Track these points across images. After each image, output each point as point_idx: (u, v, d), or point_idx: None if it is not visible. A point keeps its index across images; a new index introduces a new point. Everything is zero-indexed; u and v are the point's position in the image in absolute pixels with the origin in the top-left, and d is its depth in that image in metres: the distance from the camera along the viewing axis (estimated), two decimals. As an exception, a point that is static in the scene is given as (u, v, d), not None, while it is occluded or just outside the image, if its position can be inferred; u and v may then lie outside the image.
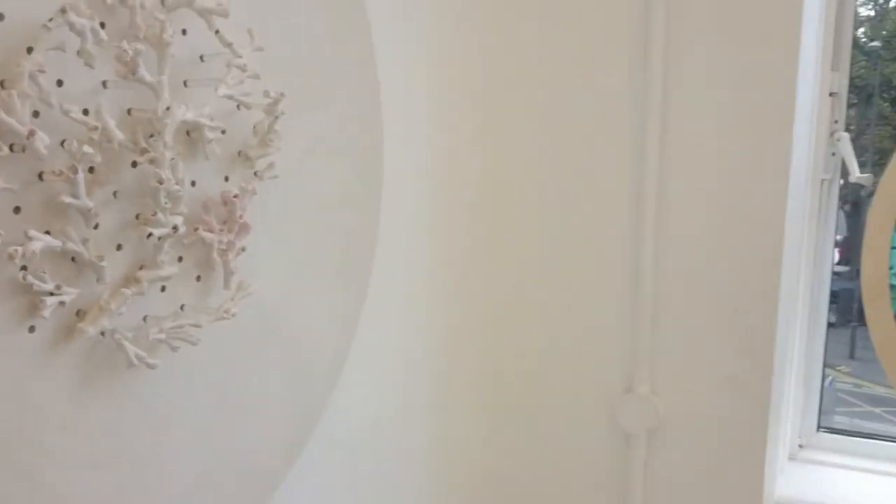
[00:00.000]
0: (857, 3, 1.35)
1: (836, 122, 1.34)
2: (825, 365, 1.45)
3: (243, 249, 0.68)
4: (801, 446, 1.45)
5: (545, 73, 1.13)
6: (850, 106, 1.40)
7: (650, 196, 1.09)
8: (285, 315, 0.74)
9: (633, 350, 1.13)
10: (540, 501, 1.23)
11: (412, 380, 1.05)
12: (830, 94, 1.33)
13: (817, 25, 1.24)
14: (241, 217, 0.66)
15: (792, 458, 1.44)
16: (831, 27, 1.30)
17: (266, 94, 0.66)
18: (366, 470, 0.96)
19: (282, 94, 0.67)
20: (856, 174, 1.33)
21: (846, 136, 1.34)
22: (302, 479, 0.81)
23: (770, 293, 1.06)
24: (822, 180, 1.36)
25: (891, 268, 1.24)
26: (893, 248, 1.24)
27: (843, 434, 1.47)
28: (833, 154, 1.35)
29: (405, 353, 1.03)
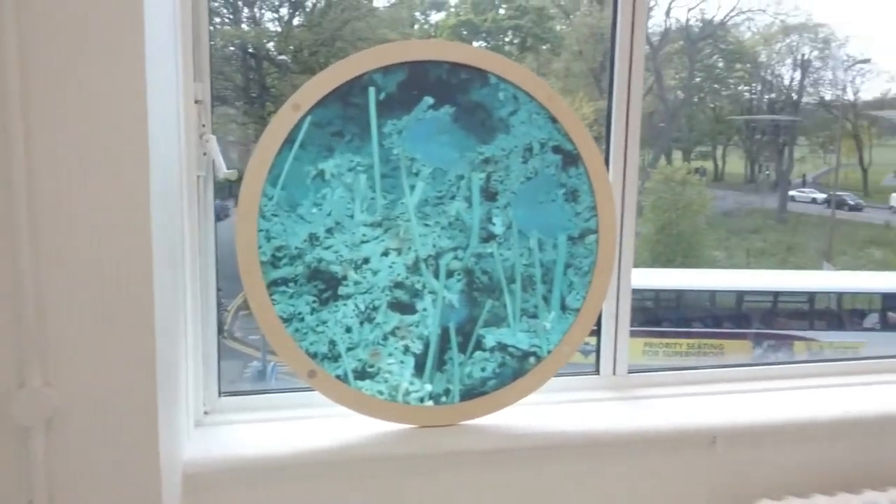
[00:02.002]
0: (211, 25, 1.56)
1: (204, 125, 1.54)
2: (220, 340, 1.66)
3: None
4: (206, 412, 1.65)
5: None
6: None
7: (21, 209, 1.12)
8: None
9: (21, 347, 1.16)
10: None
11: None
12: (196, 102, 1.52)
13: (174, 45, 1.41)
14: None
15: (199, 424, 1.62)
16: (189, 45, 1.49)
17: None
18: None
19: None
20: (223, 171, 1.55)
21: (213, 137, 1.55)
22: None
23: (144, 281, 1.19)
24: (199, 177, 1.55)
25: (259, 247, 1.49)
26: (260, 230, 1.49)
27: (242, 395, 1.71)
28: (205, 154, 1.55)
29: None
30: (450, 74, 1.51)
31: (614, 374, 1.81)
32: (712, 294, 9.06)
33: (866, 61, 10.31)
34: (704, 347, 8.60)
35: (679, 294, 9.00)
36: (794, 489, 1.67)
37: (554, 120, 1.56)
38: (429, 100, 1.50)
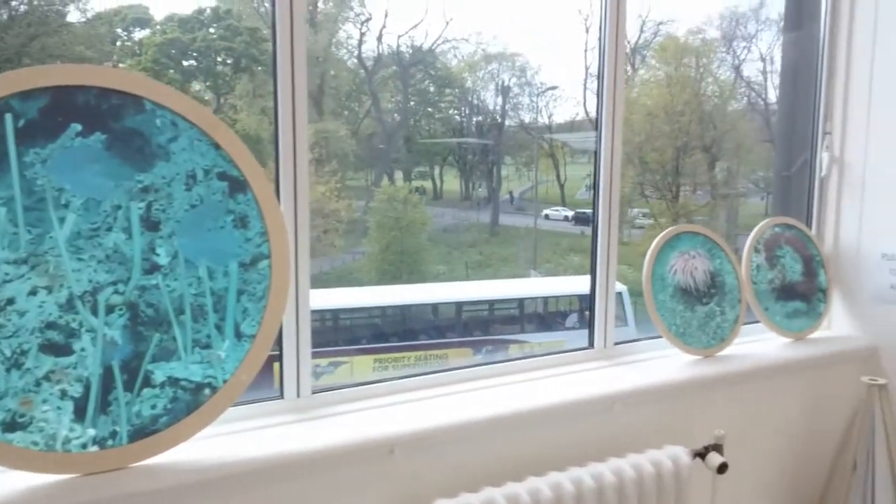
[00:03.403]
0: None
1: None
2: None
3: None
4: None
5: None
6: None
7: None
8: None
9: None
10: None
11: None
12: None
13: None
14: None
15: None
16: None
17: None
18: None
19: None
20: None
21: None
22: None
23: None
24: None
25: None
26: None
27: None
28: None
29: None
30: (99, 100, 1.44)
31: (298, 396, 1.83)
32: (435, 307, 9.51)
33: (554, 88, 11.48)
34: (430, 358, 8.97)
35: (404, 309, 9.33)
36: (467, 486, 1.79)
37: (218, 146, 1.55)
38: (76, 126, 1.42)
